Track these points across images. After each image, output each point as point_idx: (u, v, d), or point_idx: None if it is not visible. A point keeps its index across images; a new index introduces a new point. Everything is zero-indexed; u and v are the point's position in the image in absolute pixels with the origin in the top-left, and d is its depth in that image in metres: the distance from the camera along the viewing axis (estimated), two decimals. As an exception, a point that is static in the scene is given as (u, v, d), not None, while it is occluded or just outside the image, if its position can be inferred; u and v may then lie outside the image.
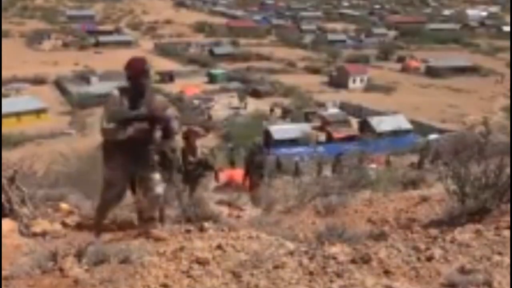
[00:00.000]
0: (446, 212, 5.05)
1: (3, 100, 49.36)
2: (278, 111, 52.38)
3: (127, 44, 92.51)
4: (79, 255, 3.98)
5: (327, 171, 21.02)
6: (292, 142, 39.82)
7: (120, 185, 4.68)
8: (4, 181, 5.53)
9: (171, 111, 4.78)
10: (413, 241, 4.18)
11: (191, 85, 62.26)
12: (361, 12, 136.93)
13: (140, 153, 4.58)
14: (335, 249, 3.91)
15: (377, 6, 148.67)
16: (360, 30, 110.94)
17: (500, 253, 3.59)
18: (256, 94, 59.47)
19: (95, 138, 6.49)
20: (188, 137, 7.99)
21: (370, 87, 65.71)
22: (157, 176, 4.68)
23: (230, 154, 27.42)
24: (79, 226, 5.50)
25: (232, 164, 24.11)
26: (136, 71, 4.64)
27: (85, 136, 42.71)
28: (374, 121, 44.01)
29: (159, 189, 4.71)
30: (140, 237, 4.76)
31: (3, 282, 3.67)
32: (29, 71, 66.23)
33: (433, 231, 4.49)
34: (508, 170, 4.77)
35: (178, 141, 5.97)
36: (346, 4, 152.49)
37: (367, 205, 6.92)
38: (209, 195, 9.05)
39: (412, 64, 78.44)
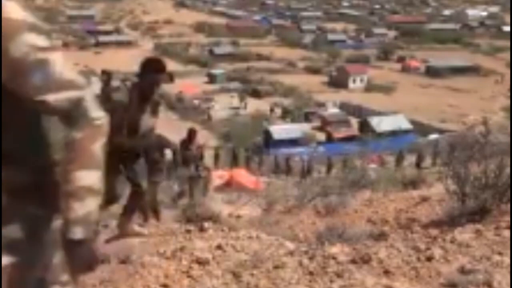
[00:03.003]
0: (446, 212, 5.06)
1: (3, 100, 49.37)
2: (278, 111, 52.40)
3: (127, 44, 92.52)
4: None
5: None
6: (292, 142, 39.81)
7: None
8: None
9: None
10: (413, 241, 4.18)
11: (191, 85, 62.27)
12: (361, 12, 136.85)
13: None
14: (335, 249, 3.91)
15: (377, 6, 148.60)
16: (360, 30, 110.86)
17: (500, 253, 3.59)
18: (256, 94, 59.47)
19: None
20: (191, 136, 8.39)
21: (370, 87, 65.69)
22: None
23: (231, 154, 27.44)
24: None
25: (232, 164, 24.19)
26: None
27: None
28: (374, 121, 44.01)
29: None
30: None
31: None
32: (29, 71, 66.11)
33: (433, 231, 4.49)
34: (508, 170, 4.77)
35: None
36: (346, 4, 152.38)
37: (367, 205, 6.92)
38: (209, 195, 9.06)
39: (412, 64, 78.44)
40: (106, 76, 4.49)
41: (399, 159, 24.56)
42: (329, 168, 22.26)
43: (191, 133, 9.20)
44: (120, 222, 4.94)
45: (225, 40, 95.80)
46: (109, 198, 4.58)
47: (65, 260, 1.54)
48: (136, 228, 5.06)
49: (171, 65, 77.90)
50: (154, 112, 4.59)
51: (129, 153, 4.54)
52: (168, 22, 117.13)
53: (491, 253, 3.61)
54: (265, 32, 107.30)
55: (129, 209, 4.92)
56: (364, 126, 44.56)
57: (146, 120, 4.44)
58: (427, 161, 24.13)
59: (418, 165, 22.39)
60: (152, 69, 4.41)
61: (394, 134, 39.70)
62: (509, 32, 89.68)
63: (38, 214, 1.53)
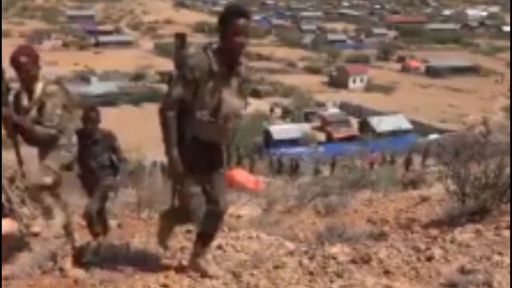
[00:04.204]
0: (446, 212, 5.05)
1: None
2: (278, 111, 52.40)
3: (127, 44, 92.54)
4: (79, 255, 3.98)
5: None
6: (292, 142, 39.83)
7: None
8: (4, 181, 5.53)
9: None
10: (413, 241, 4.18)
11: (191, 85, 62.34)
12: (361, 12, 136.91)
13: None
14: (335, 249, 3.91)
15: (377, 6, 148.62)
16: (360, 30, 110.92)
17: (500, 253, 3.59)
18: (256, 94, 59.52)
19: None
20: None
21: (370, 87, 65.74)
22: None
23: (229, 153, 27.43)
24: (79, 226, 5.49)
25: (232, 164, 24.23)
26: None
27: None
28: (374, 121, 44.05)
29: None
30: None
31: (3, 282, 3.67)
32: (29, 71, 66.08)
33: (433, 231, 4.49)
34: (508, 170, 4.77)
35: None
36: (346, 4, 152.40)
37: (367, 205, 6.93)
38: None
39: (412, 64, 78.47)
40: (180, 39, 3.46)
41: (384, 161, 24.59)
42: (316, 171, 22.25)
43: None
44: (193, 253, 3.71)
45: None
46: (182, 215, 3.75)
47: None
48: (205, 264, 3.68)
49: (171, 65, 77.78)
50: (242, 91, 3.44)
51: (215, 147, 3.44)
52: (168, 22, 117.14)
53: (491, 253, 3.60)
54: (265, 32, 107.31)
55: (204, 235, 3.65)
56: (364, 126, 44.58)
57: (230, 99, 3.32)
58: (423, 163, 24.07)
59: (406, 167, 22.12)
60: (234, 13, 3.21)
61: (394, 134, 39.73)
62: (509, 32, 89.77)
63: None
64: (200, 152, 3.30)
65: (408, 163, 22.68)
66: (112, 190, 5.31)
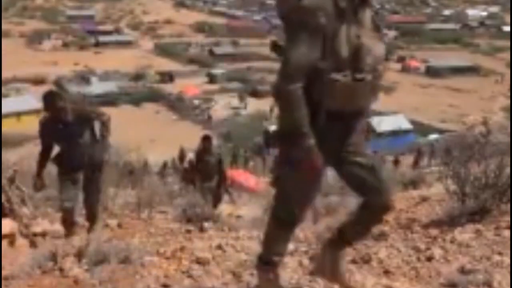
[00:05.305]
0: (446, 212, 5.05)
1: (3, 100, 49.33)
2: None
3: (127, 44, 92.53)
4: (79, 255, 3.98)
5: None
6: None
7: None
8: (4, 181, 5.54)
9: None
10: (413, 241, 4.18)
11: (191, 85, 62.30)
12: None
13: None
14: (335, 249, 3.90)
15: (377, 6, 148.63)
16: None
17: (500, 253, 3.59)
18: (256, 94, 59.53)
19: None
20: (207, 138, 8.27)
21: (370, 87, 65.80)
22: None
23: (231, 154, 27.46)
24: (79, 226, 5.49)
25: (232, 164, 24.24)
26: None
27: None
28: (374, 121, 44.03)
29: None
30: None
31: (3, 282, 3.67)
32: (29, 71, 66.20)
33: (433, 231, 4.49)
34: (508, 170, 4.77)
35: None
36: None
37: (367, 205, 6.91)
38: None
39: (412, 64, 78.47)
40: None
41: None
42: None
43: (205, 141, 8.15)
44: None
45: (225, 40, 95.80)
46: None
47: None
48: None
49: (171, 65, 78.05)
50: (377, 27, 2.37)
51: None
52: (168, 22, 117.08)
53: (491, 253, 3.61)
54: (265, 32, 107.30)
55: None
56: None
57: (371, 42, 2.30)
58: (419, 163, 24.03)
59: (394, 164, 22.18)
60: None
61: (394, 134, 39.73)
62: (509, 32, 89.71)
63: None
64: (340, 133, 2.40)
65: (396, 163, 22.75)
66: (97, 175, 5.17)
